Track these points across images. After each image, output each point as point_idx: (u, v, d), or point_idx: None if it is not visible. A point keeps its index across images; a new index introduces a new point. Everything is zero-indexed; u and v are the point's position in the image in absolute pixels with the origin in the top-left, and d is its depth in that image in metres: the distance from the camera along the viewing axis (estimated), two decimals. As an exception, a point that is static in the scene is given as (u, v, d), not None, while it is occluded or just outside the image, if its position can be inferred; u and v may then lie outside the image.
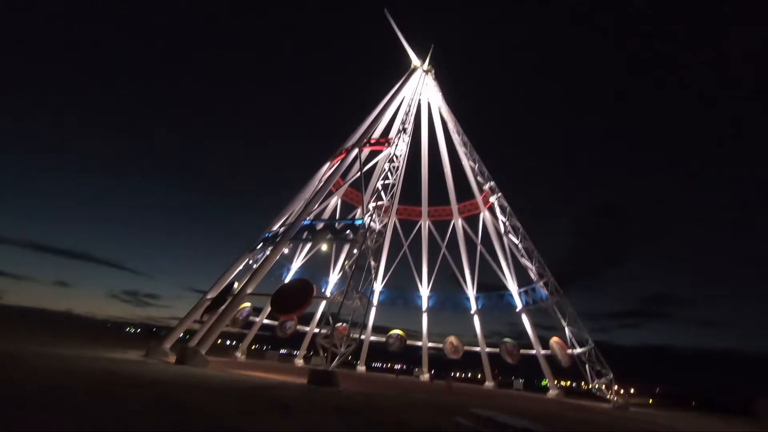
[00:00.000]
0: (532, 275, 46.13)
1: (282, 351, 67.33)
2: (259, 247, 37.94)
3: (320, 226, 35.38)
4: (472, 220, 56.24)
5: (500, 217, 48.92)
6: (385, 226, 35.04)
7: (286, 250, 37.43)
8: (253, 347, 58.70)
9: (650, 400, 71.42)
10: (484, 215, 54.08)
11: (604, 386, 40.12)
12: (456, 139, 53.81)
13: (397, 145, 41.25)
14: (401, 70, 56.88)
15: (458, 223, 56.94)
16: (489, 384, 51.14)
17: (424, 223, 58.80)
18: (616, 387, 40.65)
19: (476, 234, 54.85)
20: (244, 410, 10.36)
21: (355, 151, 41.66)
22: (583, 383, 75.06)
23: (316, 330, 49.05)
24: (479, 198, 54.42)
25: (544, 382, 68.83)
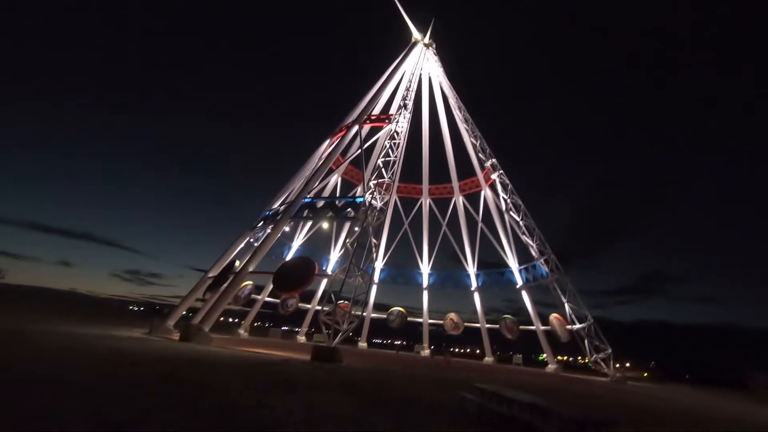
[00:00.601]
0: (533, 252, 46.18)
1: (284, 328, 68.08)
2: (259, 225, 37.80)
3: (321, 203, 35.14)
4: (473, 198, 55.99)
5: (501, 194, 48.58)
6: (386, 204, 34.78)
7: (287, 228, 37.29)
8: (255, 324, 59.17)
9: (645, 374, 72.99)
10: (486, 193, 53.75)
11: (602, 361, 40.71)
12: (457, 115, 52.94)
13: (398, 121, 40.57)
14: (402, 45, 55.51)
15: (459, 200, 56.67)
16: (489, 359, 51.97)
17: (425, 201, 58.53)
18: (612, 362, 41.30)
19: (477, 212, 54.69)
20: (249, 386, 10.35)
21: (356, 128, 41.00)
22: (579, 358, 76.51)
23: (318, 307, 49.46)
24: (480, 175, 53.96)
25: (541, 357, 70.06)
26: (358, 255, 30.49)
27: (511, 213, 47.75)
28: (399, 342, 77.12)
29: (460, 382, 16.97)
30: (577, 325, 42.46)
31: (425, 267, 57.48)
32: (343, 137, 41.13)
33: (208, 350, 20.75)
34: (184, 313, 37.67)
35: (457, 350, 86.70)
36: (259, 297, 48.38)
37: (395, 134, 39.38)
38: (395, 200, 56.61)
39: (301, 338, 52.85)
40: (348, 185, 52.54)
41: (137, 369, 11.34)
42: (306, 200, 34.99)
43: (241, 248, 38.09)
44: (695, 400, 26.50)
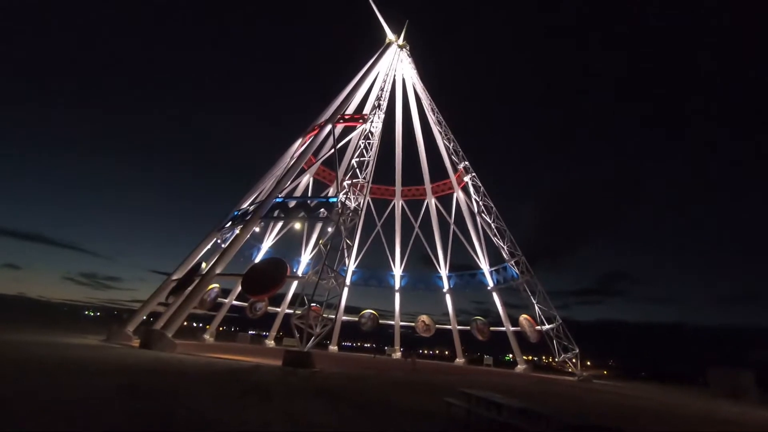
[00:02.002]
0: (504, 255, 46.80)
1: (252, 332, 66.07)
2: (227, 225, 36.31)
3: (293, 203, 34.16)
4: (445, 200, 56.29)
5: (474, 196, 49.04)
6: (359, 205, 34.21)
7: (256, 229, 36.02)
8: (221, 329, 57.09)
9: (605, 372, 75.71)
10: (458, 195, 54.13)
11: (572, 360, 41.66)
12: (431, 117, 53.10)
13: (372, 121, 40.15)
14: (376, 45, 55.25)
15: (432, 202, 56.81)
16: (459, 361, 52.22)
17: (398, 203, 58.36)
18: (579, 361, 42.37)
19: (449, 214, 55.00)
20: (220, 396, 9.54)
21: (329, 127, 40.25)
22: (544, 357, 78.34)
23: (288, 311, 48.18)
24: (453, 178, 54.32)
25: (507, 357, 71.41)
26: (331, 257, 29.77)
27: (482, 215, 48.26)
28: (368, 344, 76.56)
29: (442, 386, 16.63)
30: (546, 326, 43.29)
31: (397, 269, 57.24)
32: (315, 136, 40.26)
33: (171, 357, 19.46)
34: (145, 318, 35.62)
35: (426, 352, 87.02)
36: (225, 300, 46.57)
37: (369, 134, 38.92)
38: (368, 202, 56.10)
39: (270, 343, 51.28)
40: (320, 186, 51.64)
41: (93, 380, 10.25)
42: (277, 200, 33.89)
43: (208, 250, 36.45)
44: (662, 396, 27.38)
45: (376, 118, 40.84)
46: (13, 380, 9.26)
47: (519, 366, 47.51)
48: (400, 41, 55.06)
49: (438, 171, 56.51)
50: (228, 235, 35.73)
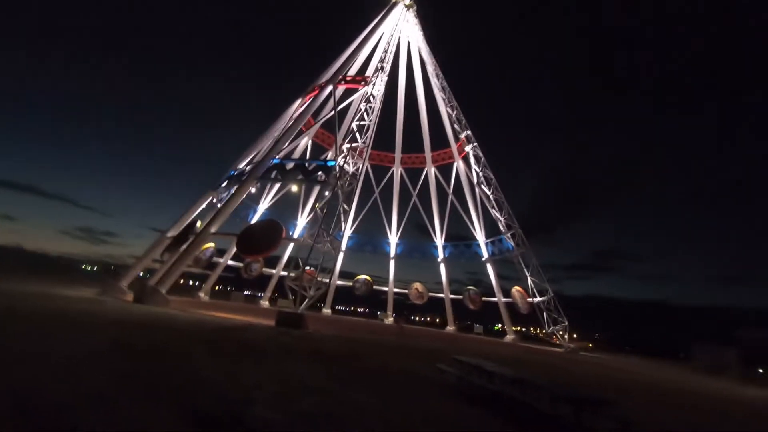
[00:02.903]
0: (501, 227, 46.81)
1: (247, 292, 66.81)
2: (224, 185, 35.78)
3: (290, 165, 33.51)
4: (445, 170, 55.65)
5: (474, 167, 48.46)
6: (358, 169, 33.66)
7: (253, 190, 35.47)
8: (217, 288, 57.60)
9: (590, 345, 77.97)
10: (458, 165, 53.47)
11: (560, 332, 42.59)
12: (435, 83, 51.58)
13: (374, 84, 38.89)
14: (382, 4, 52.75)
15: (431, 171, 56.17)
16: (450, 328, 53.29)
17: (397, 170, 57.67)
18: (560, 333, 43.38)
19: (448, 183, 54.55)
20: (212, 355, 9.47)
21: (329, 88, 38.97)
22: (532, 328, 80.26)
23: (284, 273, 48.45)
24: (454, 147, 53.45)
25: (497, 327, 73.06)
26: (328, 221, 29.55)
27: (482, 186, 47.87)
28: (361, 309, 77.91)
29: (435, 352, 16.80)
30: (538, 298, 43.93)
31: (393, 236, 57.30)
32: (315, 97, 39.11)
33: (164, 313, 19.50)
34: (141, 274, 35.70)
35: (418, 318, 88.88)
36: (221, 260, 46.68)
37: (371, 97, 37.78)
38: (367, 167, 55.36)
39: (265, 303, 51.89)
40: (319, 149, 50.69)
41: (83, 334, 10.13)
42: (274, 161, 33.25)
43: (204, 209, 36.06)
44: (647, 370, 28.11)
45: (378, 81, 39.54)
46: (2, 332, 9.11)
47: (508, 336, 48.57)
48: (407, 1, 52.59)
49: (439, 139, 55.60)
50: (224, 195, 35.27)
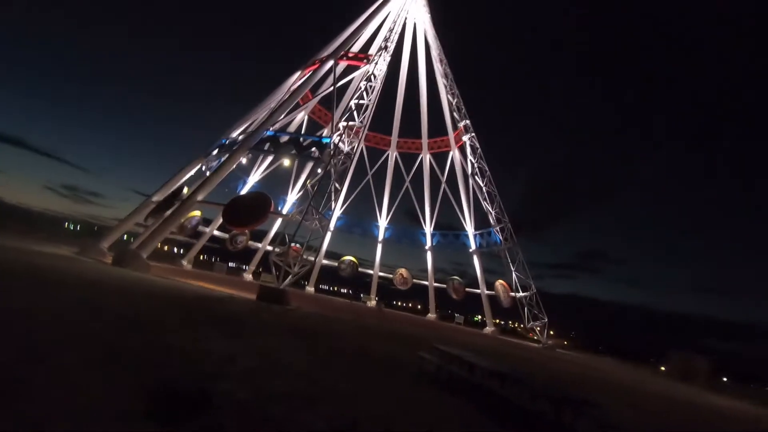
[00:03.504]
0: (491, 219, 46.81)
1: (231, 264, 66.24)
2: (214, 153, 34.92)
3: (284, 138, 32.77)
4: (440, 158, 55.18)
5: (470, 157, 48.10)
6: (353, 149, 33.07)
7: (244, 161, 34.74)
8: (201, 257, 56.94)
9: (565, 342, 79.70)
10: (454, 154, 53.03)
11: (538, 328, 43.14)
12: (438, 68, 50.64)
13: (376, 63, 37.97)
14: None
15: (426, 158, 55.66)
16: (431, 316, 53.65)
17: (392, 154, 56.97)
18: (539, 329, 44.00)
19: (442, 172, 54.15)
20: (185, 324, 9.11)
21: (330, 63, 37.91)
22: (510, 322, 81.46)
23: (269, 248, 47.97)
24: (452, 135, 52.89)
25: (476, 318, 73.93)
26: (318, 198, 29.08)
27: (476, 177, 47.61)
28: (347, 290, 78.02)
29: (416, 338, 16.68)
30: (521, 293, 44.29)
31: (383, 220, 56.99)
32: (315, 71, 38.05)
33: (143, 278, 19.01)
34: (124, 238, 34.98)
35: (400, 304, 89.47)
36: (207, 229, 45.96)
37: (372, 77, 36.92)
38: (361, 149, 54.58)
39: (248, 276, 51.47)
40: (315, 126, 49.59)
41: (50, 291, 9.66)
42: (268, 133, 32.45)
43: (192, 176, 35.21)
44: (623, 372, 28.61)
45: (381, 60, 38.61)
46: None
47: (487, 327, 49.12)
48: (418, -21, 51.10)
49: (437, 126, 54.94)
50: (214, 163, 34.45)
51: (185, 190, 32.40)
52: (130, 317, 8.44)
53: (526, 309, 43.88)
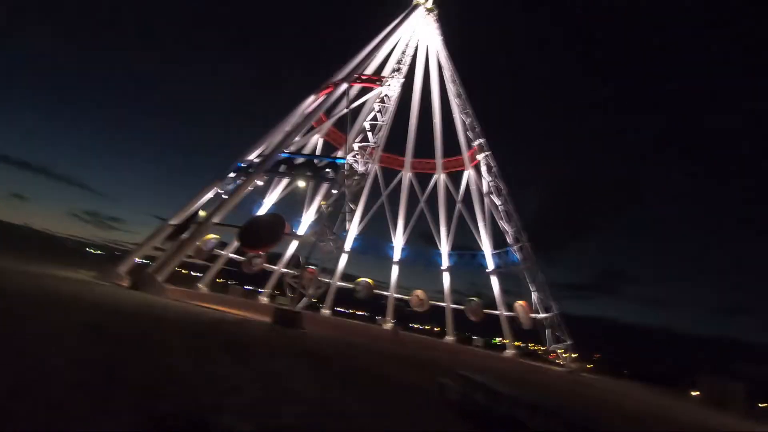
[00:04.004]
0: (509, 239, 45.78)
1: (248, 287, 66.17)
2: (230, 176, 35.27)
3: (299, 160, 32.93)
4: (455, 177, 54.74)
5: (485, 176, 47.56)
6: (367, 169, 32.99)
7: (259, 183, 34.90)
8: (218, 280, 56.97)
9: (588, 366, 76.38)
10: (469, 173, 52.56)
11: (562, 352, 41.41)
12: (450, 88, 50.84)
13: (389, 84, 38.30)
14: (402, 6, 52.22)
15: (441, 178, 55.29)
16: (449, 338, 52.17)
17: (406, 174, 56.81)
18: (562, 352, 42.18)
19: (458, 191, 53.63)
20: (194, 348, 8.75)
21: (344, 86, 38.43)
22: (530, 344, 78.89)
23: (285, 270, 47.78)
24: (466, 154, 52.56)
25: (495, 340, 71.68)
26: (333, 219, 28.89)
27: (492, 196, 46.92)
28: (363, 313, 76.90)
29: (434, 363, 15.94)
30: (542, 314, 42.76)
31: (398, 241, 56.39)
32: (329, 94, 38.55)
33: (157, 301, 18.85)
34: (142, 261, 35.24)
35: (417, 326, 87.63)
36: (223, 252, 46.12)
37: (385, 98, 37.19)
38: (375, 170, 54.63)
39: (264, 299, 51.17)
40: (329, 148, 49.91)
41: (57, 314, 9.44)
42: (283, 155, 32.68)
43: (209, 199, 35.53)
44: (657, 399, 26.97)
45: (394, 82, 38.95)
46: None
47: (508, 350, 47.42)
48: (429, 4, 51.99)
49: (451, 146, 54.75)
50: (230, 186, 34.75)
51: (201, 213, 32.62)
52: (135, 341, 8.13)
53: (548, 331, 42.23)
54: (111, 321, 10.05)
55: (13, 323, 7.54)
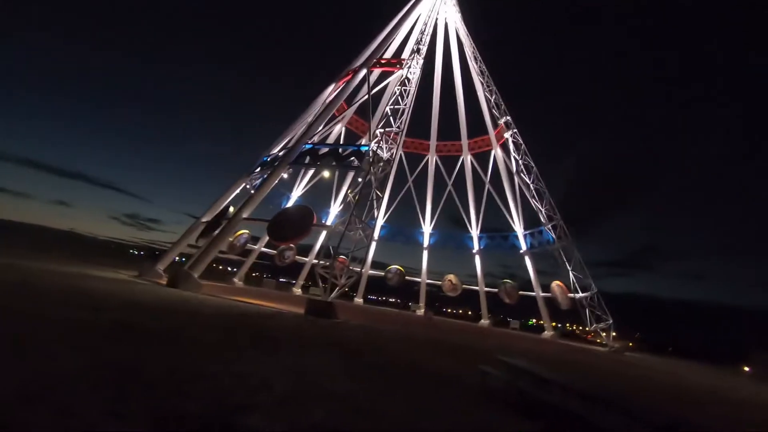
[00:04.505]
0: (542, 218, 44.21)
1: (282, 280, 67.42)
2: (257, 171, 35.52)
3: (323, 150, 32.66)
4: (482, 158, 53.26)
5: (513, 154, 45.93)
6: (392, 155, 32.33)
7: (285, 176, 34.97)
8: (253, 274, 58.26)
9: (630, 344, 73.74)
10: (496, 152, 50.96)
11: (603, 331, 39.94)
12: (473, 66, 49.16)
13: (409, 66, 37.25)
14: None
15: (467, 159, 53.96)
16: (484, 322, 51.41)
17: (431, 158, 55.76)
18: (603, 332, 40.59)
19: (485, 172, 52.18)
20: (224, 344, 8.57)
21: (363, 72, 37.70)
22: (568, 325, 76.74)
23: (315, 261, 48.15)
24: (492, 134, 50.94)
25: (531, 322, 70.19)
26: (360, 207, 28.54)
27: (522, 175, 45.32)
28: (395, 300, 77.04)
29: (472, 348, 15.39)
30: (580, 294, 41.25)
31: (427, 226, 55.71)
32: (349, 82, 37.94)
33: (193, 297, 19.13)
34: (177, 258, 36.22)
35: (451, 311, 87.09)
36: (255, 247, 46.92)
37: (406, 81, 36.21)
38: (401, 155, 53.80)
39: (297, 290, 51.94)
40: (353, 136, 49.55)
41: (86, 312, 9.47)
42: (307, 146, 32.49)
43: (237, 194, 36.00)
44: (712, 379, 25.42)
45: (414, 64, 37.85)
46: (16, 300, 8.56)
47: (546, 332, 46.22)
48: (446, -21, 50.14)
49: (476, 126, 53.18)
50: (257, 181, 35.00)
51: (231, 209, 33.03)
52: (165, 338, 8.00)
53: (587, 310, 40.72)
54: (139, 318, 10.04)
55: (46, 323, 7.53)
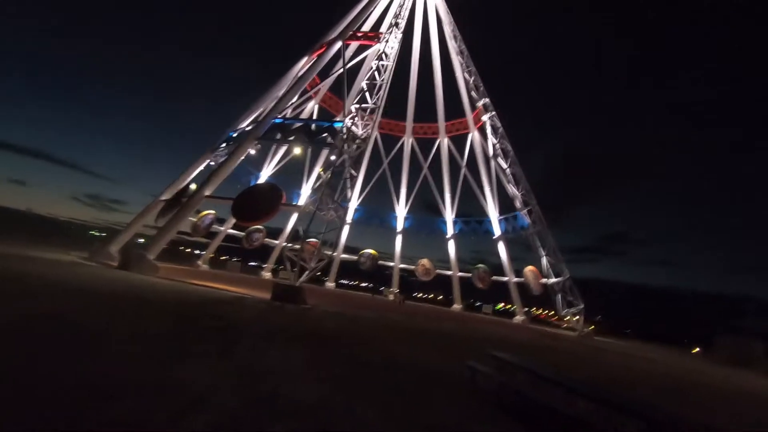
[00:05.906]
0: (518, 203, 43.96)
1: (252, 263, 65.05)
2: (222, 146, 33.18)
3: (294, 126, 30.73)
4: (459, 141, 52.37)
5: (491, 138, 45.22)
6: (367, 133, 30.80)
7: (253, 152, 32.81)
8: (220, 258, 55.81)
9: (592, 327, 76.45)
10: (473, 136, 50.15)
11: (575, 317, 40.46)
12: (452, 45, 47.73)
13: (387, 40, 35.48)
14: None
15: (444, 142, 52.95)
16: (456, 306, 51.38)
17: (407, 140, 54.41)
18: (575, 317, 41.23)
19: (462, 155, 51.35)
20: (170, 339, 7.13)
21: (338, 44, 35.62)
22: (534, 309, 78.37)
23: (285, 244, 46.37)
24: (470, 116, 50.00)
25: (498, 306, 71.12)
26: (333, 187, 27.04)
27: (498, 159, 44.77)
28: (368, 284, 76.24)
29: (450, 337, 14.45)
30: (553, 279, 41.52)
31: (401, 210, 54.70)
32: (322, 55, 35.83)
33: (144, 281, 17.29)
34: (140, 241, 33.75)
35: (423, 296, 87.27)
36: (221, 228, 44.56)
37: (384, 55, 34.50)
38: (376, 137, 52.15)
39: (267, 274, 50.06)
40: (327, 115, 47.41)
41: (21, 301, 7.80)
42: (276, 120, 30.47)
43: (200, 171, 33.60)
44: (680, 362, 25.86)
45: (392, 38, 36.10)
46: None
47: (517, 317, 46.56)
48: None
49: (454, 108, 52.07)
50: (222, 157, 32.72)
51: (192, 186, 30.77)
52: (86, 332, 6.47)
53: (559, 296, 41.08)
54: (79, 305, 8.44)
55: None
